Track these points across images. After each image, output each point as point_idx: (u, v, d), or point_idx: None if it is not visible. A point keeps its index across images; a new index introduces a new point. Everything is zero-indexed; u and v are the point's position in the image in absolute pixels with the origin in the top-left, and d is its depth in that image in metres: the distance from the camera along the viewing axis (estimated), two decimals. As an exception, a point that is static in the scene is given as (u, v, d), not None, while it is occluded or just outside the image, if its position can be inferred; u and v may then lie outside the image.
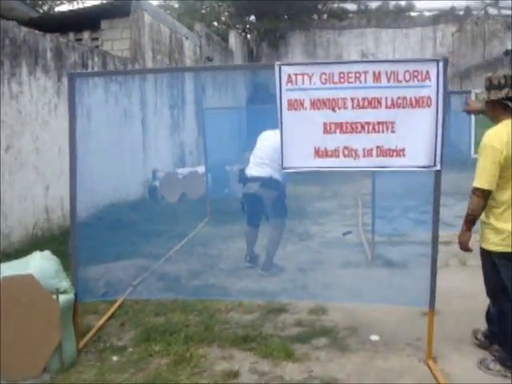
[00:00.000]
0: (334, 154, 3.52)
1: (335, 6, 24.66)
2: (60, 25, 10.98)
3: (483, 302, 3.99)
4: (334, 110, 3.48)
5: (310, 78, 3.47)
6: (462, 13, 23.17)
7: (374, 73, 3.42)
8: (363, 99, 3.45)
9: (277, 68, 3.51)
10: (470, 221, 3.52)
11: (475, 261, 4.02)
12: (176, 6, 24.20)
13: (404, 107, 3.43)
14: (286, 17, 23.26)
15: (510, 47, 17.55)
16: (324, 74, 3.45)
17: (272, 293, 5.26)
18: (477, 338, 4.04)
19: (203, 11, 22.63)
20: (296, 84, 3.49)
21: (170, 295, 5.16)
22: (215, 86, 16.63)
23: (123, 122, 10.30)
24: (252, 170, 5.88)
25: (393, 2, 25.01)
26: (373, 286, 5.31)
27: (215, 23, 22.46)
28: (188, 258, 6.66)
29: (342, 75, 3.43)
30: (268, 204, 5.78)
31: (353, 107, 3.46)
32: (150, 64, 11.70)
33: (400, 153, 3.48)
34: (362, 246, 7.07)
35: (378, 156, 3.50)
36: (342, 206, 10.37)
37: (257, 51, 24.82)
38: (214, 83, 16.50)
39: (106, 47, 11.51)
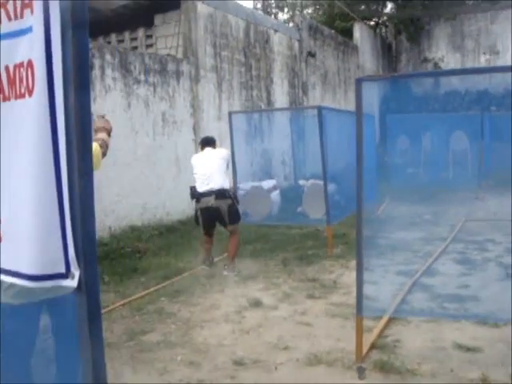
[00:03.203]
0: None
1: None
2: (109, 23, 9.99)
3: None
4: None
5: None
6: None
7: None
8: None
9: None
10: None
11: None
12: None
13: None
14: (426, 4, 20.13)
15: None
16: None
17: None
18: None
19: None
20: None
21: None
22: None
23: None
24: (204, 187, 6.09)
25: None
26: None
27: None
28: None
29: None
30: (224, 212, 6.07)
31: None
32: (206, 62, 10.19)
33: None
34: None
35: None
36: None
37: (396, 46, 22.01)
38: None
39: (160, 45, 10.30)
